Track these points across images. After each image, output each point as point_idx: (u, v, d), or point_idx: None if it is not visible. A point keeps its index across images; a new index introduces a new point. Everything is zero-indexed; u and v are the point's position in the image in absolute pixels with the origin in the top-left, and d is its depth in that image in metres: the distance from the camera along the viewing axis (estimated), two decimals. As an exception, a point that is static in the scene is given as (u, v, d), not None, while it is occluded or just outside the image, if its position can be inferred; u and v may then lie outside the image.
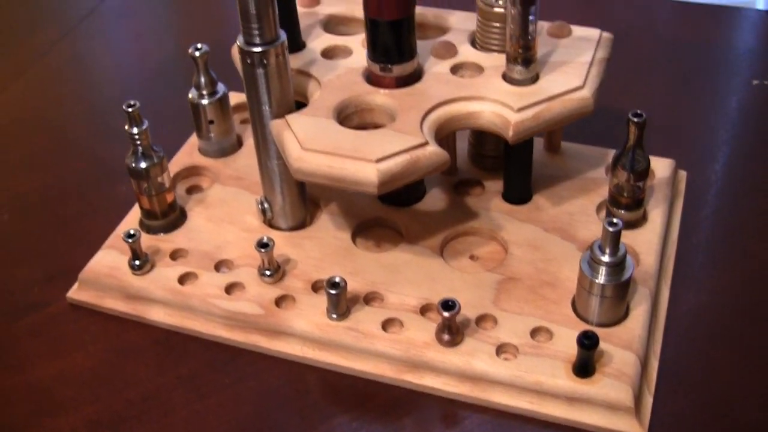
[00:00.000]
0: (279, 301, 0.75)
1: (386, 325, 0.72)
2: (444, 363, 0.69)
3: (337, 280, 0.71)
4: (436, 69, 0.77)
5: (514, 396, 0.69)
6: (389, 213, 0.81)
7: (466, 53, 0.78)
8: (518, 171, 0.80)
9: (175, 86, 1.05)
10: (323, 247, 0.79)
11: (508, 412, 0.69)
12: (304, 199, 0.80)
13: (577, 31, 0.80)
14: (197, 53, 0.84)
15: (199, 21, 1.22)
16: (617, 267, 0.68)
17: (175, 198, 0.82)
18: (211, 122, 0.87)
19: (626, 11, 1.17)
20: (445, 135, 0.74)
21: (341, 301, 0.72)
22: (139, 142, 0.78)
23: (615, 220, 0.66)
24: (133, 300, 0.78)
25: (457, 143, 0.84)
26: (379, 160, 0.67)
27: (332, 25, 0.86)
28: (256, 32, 0.70)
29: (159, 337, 0.76)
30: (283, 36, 0.72)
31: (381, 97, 0.74)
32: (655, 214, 0.79)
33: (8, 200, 0.91)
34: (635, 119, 0.73)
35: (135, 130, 0.77)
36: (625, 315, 0.71)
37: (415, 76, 0.76)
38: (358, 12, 0.82)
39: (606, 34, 0.80)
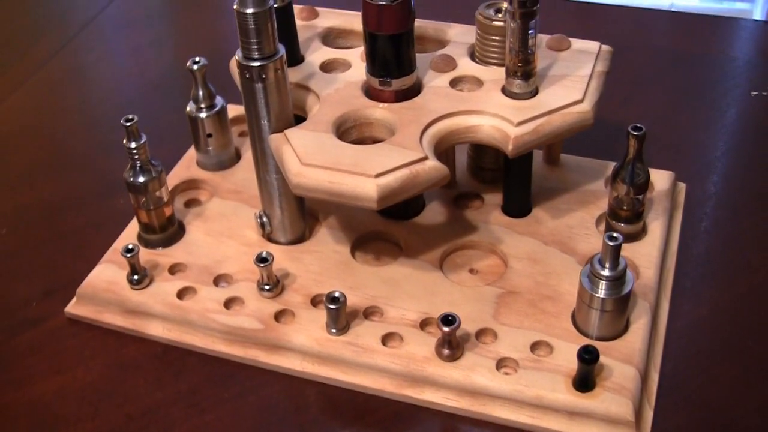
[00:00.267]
0: (278, 316, 0.74)
1: (386, 339, 0.72)
2: (444, 377, 0.69)
3: (337, 294, 0.71)
4: (436, 82, 0.77)
5: (515, 410, 0.68)
6: (388, 226, 0.81)
7: (466, 67, 0.78)
8: (518, 184, 0.80)
9: (173, 99, 1.05)
10: (322, 261, 0.79)
11: (509, 426, 0.69)
12: (303, 213, 0.80)
13: (577, 44, 0.80)
14: (195, 66, 0.84)
15: (197, 33, 1.22)
16: (617, 281, 0.68)
17: (173, 212, 0.82)
18: (210, 135, 0.87)
19: (624, 23, 1.17)
20: (444, 149, 0.74)
21: (341, 315, 0.72)
22: (137, 157, 0.78)
23: (615, 235, 0.66)
24: (132, 315, 0.77)
25: (457, 156, 0.84)
26: (378, 175, 0.67)
27: (331, 38, 0.85)
28: (255, 47, 0.70)
29: (158, 352, 0.76)
30: (281, 50, 0.72)
31: (380, 111, 0.74)
32: (655, 226, 0.79)
33: (6, 214, 0.91)
34: (635, 132, 0.73)
35: (133, 145, 0.77)
36: (625, 329, 0.71)
37: (415, 90, 0.76)
38: (357, 25, 0.83)
39: (605, 47, 0.80)
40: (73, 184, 0.95)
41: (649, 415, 0.68)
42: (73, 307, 0.79)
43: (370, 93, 0.76)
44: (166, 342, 0.76)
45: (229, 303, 0.76)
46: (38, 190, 0.94)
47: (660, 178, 0.84)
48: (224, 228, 0.83)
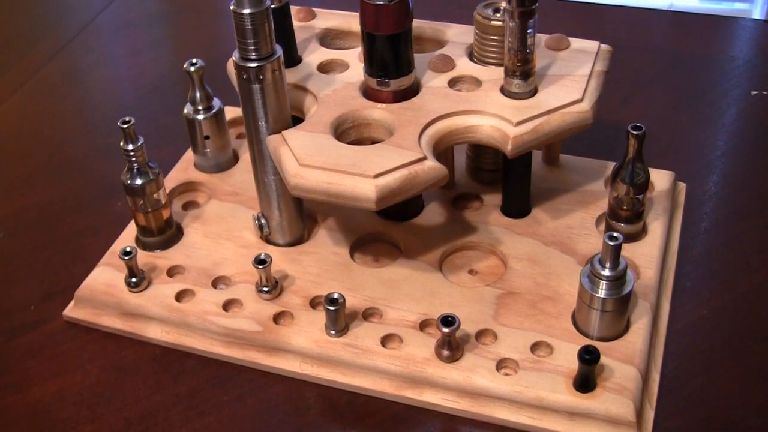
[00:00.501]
0: (277, 318, 0.74)
1: (385, 340, 0.72)
2: (444, 379, 0.69)
3: (336, 296, 0.71)
4: (434, 83, 0.76)
5: (515, 411, 0.68)
6: (388, 228, 0.81)
7: (464, 67, 0.78)
8: (517, 185, 0.80)
9: (171, 101, 1.04)
10: (321, 263, 0.78)
11: (509, 427, 0.68)
12: (301, 214, 0.80)
13: (576, 43, 0.80)
14: (192, 68, 0.84)
15: (195, 35, 1.22)
16: (618, 281, 0.67)
17: (171, 214, 0.82)
18: (207, 137, 0.87)
19: (623, 22, 1.17)
20: (443, 149, 0.74)
21: (340, 317, 0.71)
22: (134, 159, 0.77)
23: (615, 234, 0.66)
24: (130, 317, 0.77)
25: (456, 157, 0.84)
26: (377, 176, 0.67)
27: (328, 38, 0.85)
28: (252, 47, 0.70)
29: (156, 355, 0.76)
30: (279, 51, 0.71)
31: (378, 111, 0.74)
32: (655, 226, 0.79)
33: (4, 218, 0.91)
34: (634, 132, 0.73)
35: (130, 147, 0.77)
36: (626, 329, 0.71)
37: (413, 90, 0.75)
38: (355, 25, 0.82)
39: (604, 47, 0.80)
40: (71, 187, 0.94)
41: (650, 415, 0.68)
42: (71, 310, 0.79)
43: (368, 93, 0.76)
44: (165, 345, 0.76)
45: (227, 305, 0.76)
46: (36, 193, 0.94)
47: (660, 178, 0.83)
48: (222, 230, 0.82)
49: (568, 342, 0.70)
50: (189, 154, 0.90)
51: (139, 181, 0.78)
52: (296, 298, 0.75)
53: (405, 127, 0.72)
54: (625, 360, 0.68)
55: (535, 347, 0.70)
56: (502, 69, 0.74)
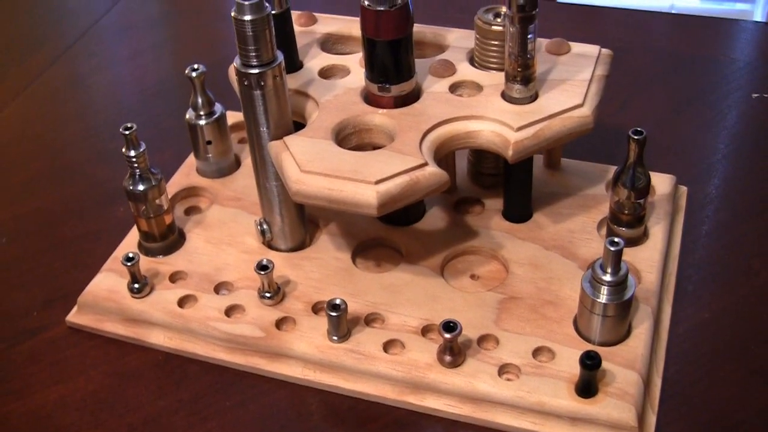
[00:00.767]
0: (279, 324, 0.74)
1: (387, 346, 0.72)
2: (446, 384, 0.69)
3: (338, 302, 0.71)
4: (435, 88, 0.77)
5: (517, 417, 0.68)
6: (389, 232, 0.81)
7: (465, 71, 0.78)
8: (518, 189, 0.80)
9: (172, 105, 1.05)
10: (323, 268, 0.78)
11: (511, 433, 0.69)
12: (303, 219, 0.80)
13: (576, 47, 0.80)
14: (194, 74, 0.84)
15: (197, 39, 1.22)
16: (619, 286, 0.68)
17: (173, 220, 0.82)
18: (209, 143, 0.87)
19: (623, 25, 1.17)
20: (444, 155, 0.74)
21: (342, 322, 0.72)
22: (136, 165, 0.78)
23: (616, 240, 0.66)
24: (133, 323, 0.77)
25: (457, 161, 0.84)
26: (378, 182, 0.67)
27: (329, 44, 0.85)
28: (253, 54, 0.70)
29: (159, 361, 0.76)
30: (280, 57, 0.71)
31: (379, 117, 0.74)
32: (656, 230, 0.79)
33: (6, 223, 0.91)
34: (635, 137, 0.73)
35: (132, 153, 0.77)
36: (627, 333, 0.71)
37: (414, 96, 0.76)
38: (356, 31, 0.82)
39: (605, 51, 0.80)
40: (73, 192, 0.95)
41: (652, 420, 0.68)
42: (73, 316, 0.79)
43: (369, 99, 0.76)
44: (167, 350, 0.76)
45: (229, 311, 0.76)
46: (38, 198, 0.94)
47: (661, 182, 0.83)
48: (224, 235, 0.83)
49: (570, 347, 0.70)
50: (191, 159, 0.90)
51: (141, 187, 0.78)
52: (298, 304, 0.75)
53: (406, 133, 0.72)
54: (627, 365, 0.69)
55: (536, 352, 0.70)
56: (503, 74, 0.75)
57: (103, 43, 1.22)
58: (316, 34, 0.85)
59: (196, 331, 0.75)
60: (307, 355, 0.72)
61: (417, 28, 0.78)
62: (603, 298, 0.68)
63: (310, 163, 0.69)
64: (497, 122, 0.73)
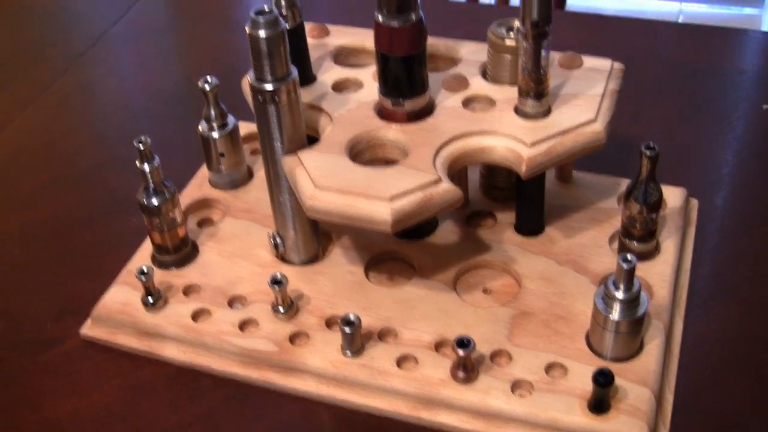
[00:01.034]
0: (293, 338, 0.75)
1: (401, 361, 0.72)
2: (459, 400, 0.69)
3: (352, 317, 0.71)
4: (448, 102, 0.77)
5: (530, 433, 0.69)
6: (402, 246, 0.81)
7: (478, 86, 0.78)
8: (530, 203, 0.80)
9: (183, 113, 1.05)
10: (336, 282, 0.79)
11: (524, 448, 0.69)
12: (316, 233, 0.80)
13: (589, 61, 0.80)
14: (207, 87, 0.84)
15: (205, 47, 1.22)
16: (632, 303, 0.68)
17: (186, 232, 0.82)
18: (222, 155, 0.87)
19: (632, 35, 1.17)
20: (457, 170, 0.74)
21: (356, 338, 0.72)
22: (150, 179, 0.78)
23: (629, 257, 0.66)
24: (147, 337, 0.77)
25: (469, 175, 0.84)
26: (392, 199, 0.67)
27: (342, 56, 0.85)
28: (268, 69, 0.70)
29: (173, 374, 0.76)
30: (294, 72, 0.72)
31: (393, 132, 0.74)
32: (668, 244, 0.79)
33: (18, 233, 0.91)
34: (648, 152, 0.73)
35: (146, 167, 0.77)
36: (640, 349, 0.71)
37: (427, 110, 0.76)
38: (369, 43, 0.83)
39: (617, 65, 0.80)
40: (84, 202, 0.95)
41: (664, 436, 0.68)
42: (88, 329, 0.80)
43: (382, 113, 0.76)
44: (181, 364, 0.76)
45: (243, 325, 0.76)
46: (50, 208, 0.94)
47: (672, 195, 0.83)
48: (237, 248, 0.83)
49: (582, 363, 0.70)
50: (203, 171, 0.91)
51: (155, 201, 0.78)
52: (312, 318, 0.76)
53: (419, 148, 0.72)
54: (639, 381, 0.69)
55: (549, 368, 0.70)
56: (515, 88, 0.75)
57: (113, 52, 1.22)
58: (329, 46, 0.85)
59: (210, 345, 0.75)
60: (321, 370, 0.73)
61: (430, 40, 0.78)
62: (616, 315, 0.68)
63: (324, 179, 0.69)
64: (511, 138, 0.73)
